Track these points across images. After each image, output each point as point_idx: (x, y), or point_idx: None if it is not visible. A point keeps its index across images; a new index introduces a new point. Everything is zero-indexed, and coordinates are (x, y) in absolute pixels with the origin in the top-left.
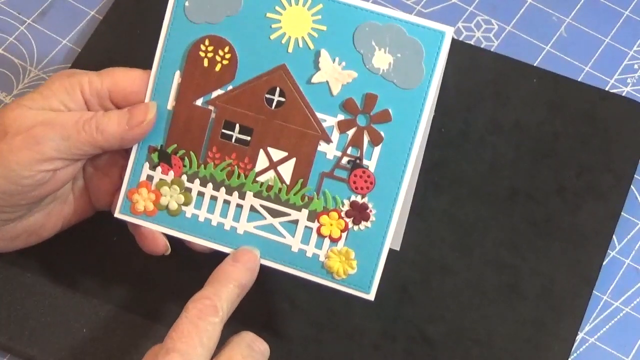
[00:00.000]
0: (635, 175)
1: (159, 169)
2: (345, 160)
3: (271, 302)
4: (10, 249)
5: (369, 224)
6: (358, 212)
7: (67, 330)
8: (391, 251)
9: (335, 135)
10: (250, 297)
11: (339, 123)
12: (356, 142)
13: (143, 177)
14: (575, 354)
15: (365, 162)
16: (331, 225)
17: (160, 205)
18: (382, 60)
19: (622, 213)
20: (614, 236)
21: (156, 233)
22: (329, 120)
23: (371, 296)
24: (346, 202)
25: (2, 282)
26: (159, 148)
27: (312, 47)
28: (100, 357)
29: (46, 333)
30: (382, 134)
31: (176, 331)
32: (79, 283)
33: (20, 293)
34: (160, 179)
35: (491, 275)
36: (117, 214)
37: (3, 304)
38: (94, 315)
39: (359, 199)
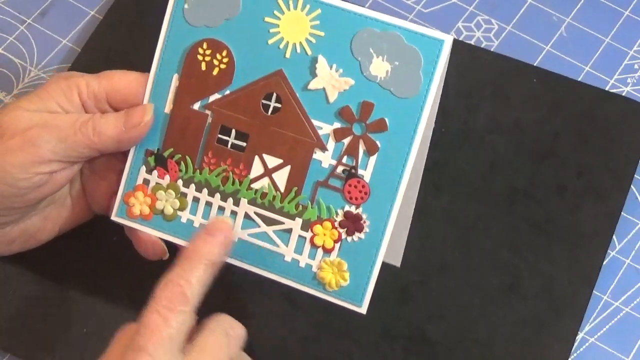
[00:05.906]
0: (635, 175)
1: (155, 172)
2: (340, 169)
3: (271, 302)
4: (7, 253)
5: (362, 235)
6: (352, 223)
7: (67, 330)
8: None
9: (330, 144)
10: (251, 297)
11: (335, 131)
12: (351, 151)
13: (139, 181)
14: (575, 354)
15: (360, 171)
16: (324, 235)
17: (156, 210)
18: (379, 68)
19: (622, 213)
20: (614, 236)
21: (154, 237)
22: (324, 128)
23: (363, 309)
24: (340, 212)
25: (2, 282)
26: (155, 152)
27: (309, 53)
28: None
29: (46, 333)
30: (378, 143)
31: (145, 326)
32: (79, 283)
33: (20, 293)
34: (157, 183)
35: (491, 275)
36: (113, 217)
37: (3, 304)
38: (94, 315)
39: (353, 209)
